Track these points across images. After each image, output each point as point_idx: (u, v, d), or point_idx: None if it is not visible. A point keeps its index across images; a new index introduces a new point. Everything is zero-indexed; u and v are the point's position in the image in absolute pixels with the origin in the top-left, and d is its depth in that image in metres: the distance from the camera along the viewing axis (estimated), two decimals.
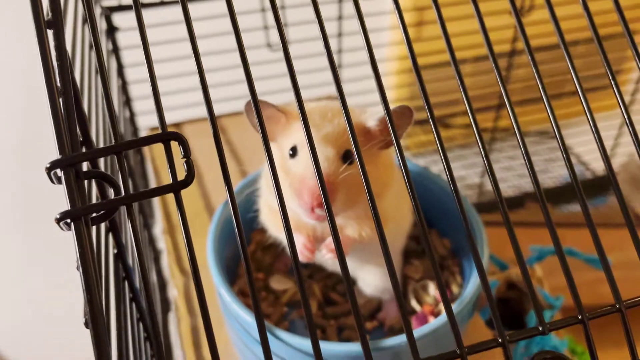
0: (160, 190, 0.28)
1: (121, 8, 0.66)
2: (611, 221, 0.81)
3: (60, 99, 0.28)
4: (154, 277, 0.61)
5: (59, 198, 0.27)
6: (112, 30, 0.66)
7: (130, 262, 0.42)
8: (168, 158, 0.28)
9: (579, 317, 0.30)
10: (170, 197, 0.67)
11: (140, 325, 0.45)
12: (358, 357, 0.40)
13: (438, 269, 0.29)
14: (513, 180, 1.01)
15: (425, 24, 0.83)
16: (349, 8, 0.76)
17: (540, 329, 0.30)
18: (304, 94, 0.31)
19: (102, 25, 0.64)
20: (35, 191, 1.02)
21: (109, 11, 0.65)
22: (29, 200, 1.01)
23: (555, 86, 0.99)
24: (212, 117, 0.29)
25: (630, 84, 1.04)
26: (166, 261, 0.60)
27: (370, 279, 0.49)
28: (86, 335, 0.26)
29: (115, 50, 0.67)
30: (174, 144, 0.28)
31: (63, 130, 0.27)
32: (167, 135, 0.28)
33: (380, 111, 0.42)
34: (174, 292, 0.56)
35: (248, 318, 0.42)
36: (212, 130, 0.29)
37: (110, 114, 0.28)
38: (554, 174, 1.03)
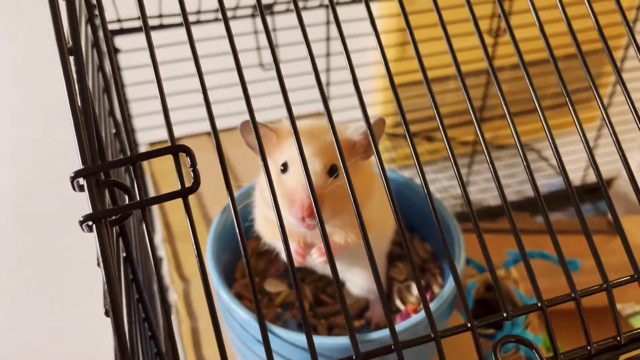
0: (171, 196, 0.31)
1: (122, 31, 0.70)
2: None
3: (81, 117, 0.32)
4: (154, 283, 0.65)
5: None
6: (114, 52, 0.70)
7: (137, 265, 0.46)
8: (177, 168, 0.32)
9: (539, 305, 0.34)
10: (170, 208, 0.71)
11: (145, 324, 0.49)
12: (347, 349, 0.44)
13: (416, 269, 0.33)
14: (495, 191, 1.05)
15: (408, 44, 0.88)
16: (336, 30, 0.80)
17: (505, 314, 0.34)
18: (295, 110, 0.35)
19: (104, 47, 0.68)
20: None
21: (111, 34, 0.70)
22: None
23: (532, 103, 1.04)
24: (215, 130, 0.33)
25: (604, 97, 1.09)
26: (166, 268, 0.63)
27: (357, 281, 0.53)
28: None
29: (116, 71, 0.71)
30: (181, 156, 0.32)
31: (84, 143, 0.31)
32: (176, 148, 0.32)
33: (359, 126, 0.47)
34: (174, 296, 0.60)
35: (245, 316, 0.46)
36: (214, 139, 0.33)
37: (127, 129, 0.32)
38: (527, 186, 1.07)
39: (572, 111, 0.38)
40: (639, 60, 0.37)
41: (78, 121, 0.31)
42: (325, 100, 0.35)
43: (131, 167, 0.32)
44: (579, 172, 1.11)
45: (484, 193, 1.04)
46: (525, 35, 0.51)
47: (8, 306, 1.18)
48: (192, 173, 0.32)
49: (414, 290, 0.54)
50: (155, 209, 0.73)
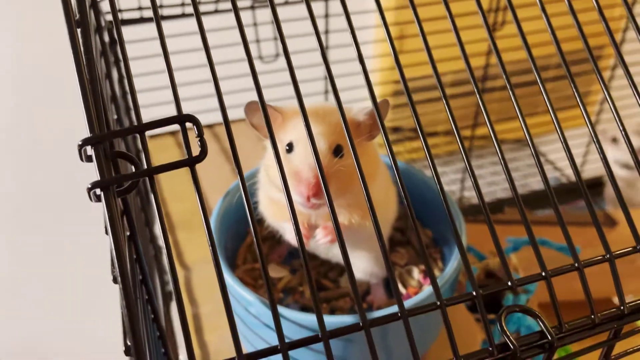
0: (179, 164, 0.32)
1: (123, 22, 0.70)
2: (581, 220, 0.86)
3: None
4: (155, 276, 0.65)
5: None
6: (113, 43, 0.71)
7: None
8: (184, 136, 0.32)
9: (543, 274, 0.35)
10: (169, 197, 0.71)
11: (149, 307, 0.49)
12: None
13: (424, 246, 0.33)
14: (491, 187, 1.06)
15: (406, 38, 0.89)
16: (335, 7, 0.81)
17: (509, 283, 0.34)
18: (295, 101, 0.35)
19: (105, 37, 0.68)
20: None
21: (111, 25, 0.70)
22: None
23: (529, 106, 1.05)
24: (225, 116, 0.33)
25: (597, 104, 1.11)
26: (166, 257, 0.63)
27: (359, 264, 0.53)
28: None
29: (117, 61, 0.71)
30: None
31: (92, 112, 0.31)
32: (183, 117, 0.32)
33: (364, 106, 0.47)
34: None
35: (251, 298, 0.46)
36: (222, 116, 0.33)
37: (134, 99, 0.32)
38: (531, 180, 1.08)
39: (578, 103, 0.38)
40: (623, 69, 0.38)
41: (86, 91, 0.31)
42: (332, 79, 0.35)
43: (138, 136, 0.32)
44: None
45: (483, 187, 1.04)
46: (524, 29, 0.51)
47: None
48: (199, 143, 0.32)
49: (415, 274, 0.54)
50: (153, 200, 0.73)
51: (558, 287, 0.35)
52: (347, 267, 0.31)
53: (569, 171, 1.11)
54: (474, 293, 0.33)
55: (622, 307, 0.35)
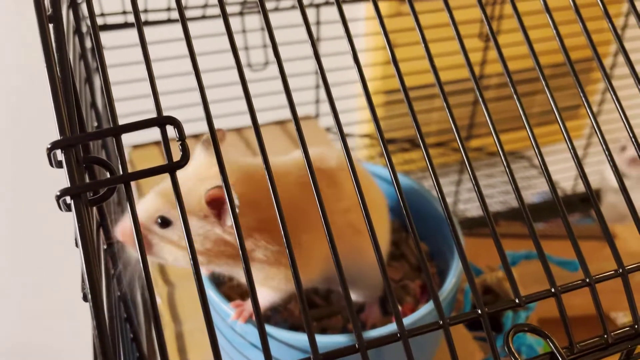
0: (157, 170, 0.29)
1: (105, 27, 0.68)
2: (577, 234, 0.84)
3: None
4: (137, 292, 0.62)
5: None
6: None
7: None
8: (164, 140, 0.29)
9: (552, 290, 0.32)
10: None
11: (127, 325, 0.46)
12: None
13: (424, 258, 0.31)
14: (488, 199, 1.04)
15: (397, 47, 0.87)
16: (326, 14, 0.79)
17: (517, 300, 0.32)
18: (283, 112, 0.32)
19: (88, 43, 0.66)
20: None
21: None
22: None
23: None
24: (210, 123, 0.30)
25: (594, 105, 1.09)
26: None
27: (354, 286, 0.50)
28: None
29: (99, 68, 0.69)
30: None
31: (63, 113, 0.29)
32: (163, 119, 0.29)
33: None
34: (158, 300, 0.57)
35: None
36: (210, 131, 0.30)
37: (109, 101, 0.30)
38: (526, 193, 1.06)
39: (559, 119, 0.36)
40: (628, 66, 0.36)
41: (57, 89, 0.29)
42: (327, 85, 0.32)
43: (114, 140, 0.29)
44: (569, 182, 1.11)
45: (476, 201, 1.02)
46: (516, 39, 0.50)
47: None
48: (180, 147, 0.29)
49: (411, 290, 0.52)
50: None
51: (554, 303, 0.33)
52: (344, 290, 0.28)
53: (564, 184, 1.09)
54: (479, 311, 0.31)
55: (636, 326, 0.32)
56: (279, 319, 0.52)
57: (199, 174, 0.41)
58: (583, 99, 0.35)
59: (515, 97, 0.35)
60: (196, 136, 0.80)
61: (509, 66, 0.36)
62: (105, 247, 0.41)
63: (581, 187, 1.10)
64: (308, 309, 0.53)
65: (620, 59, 0.98)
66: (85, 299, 0.28)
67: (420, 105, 0.93)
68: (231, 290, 0.52)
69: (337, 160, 0.46)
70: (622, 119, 0.36)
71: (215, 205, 0.39)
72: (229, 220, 0.38)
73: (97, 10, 0.64)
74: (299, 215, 0.41)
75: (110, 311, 0.38)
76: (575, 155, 0.35)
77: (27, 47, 0.86)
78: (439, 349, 0.51)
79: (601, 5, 0.37)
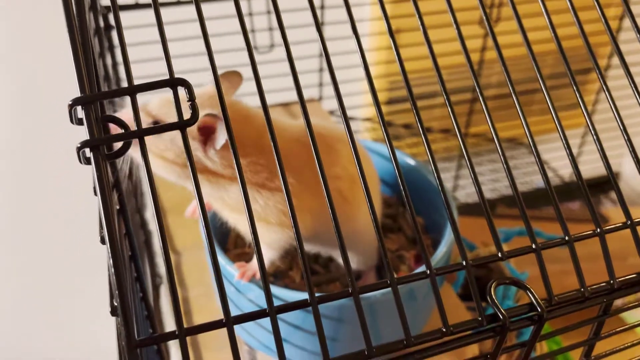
0: (169, 127, 0.31)
1: (119, 8, 0.70)
2: (574, 217, 0.86)
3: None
4: (145, 262, 0.64)
5: None
6: (108, 28, 0.71)
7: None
8: (175, 100, 0.32)
9: (533, 247, 0.35)
10: (160, 186, 0.70)
11: (137, 285, 0.48)
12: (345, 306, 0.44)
13: (416, 220, 0.33)
14: (488, 184, 1.06)
15: (401, 32, 0.89)
16: (330, 15, 0.81)
17: (500, 254, 0.34)
18: (287, 95, 0.34)
19: (100, 23, 0.68)
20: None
21: (105, 10, 0.70)
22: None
23: (523, 106, 1.06)
24: (221, 96, 0.32)
25: (594, 94, 1.11)
26: (157, 241, 0.63)
27: (351, 253, 0.53)
28: None
29: (111, 47, 0.71)
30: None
31: (84, 73, 0.31)
32: (175, 80, 0.32)
33: None
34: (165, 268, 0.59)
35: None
36: (219, 102, 0.33)
37: (125, 60, 0.32)
38: (524, 179, 1.08)
39: (552, 110, 0.38)
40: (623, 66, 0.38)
41: (77, 51, 0.31)
42: (331, 69, 0.35)
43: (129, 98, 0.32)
44: (568, 168, 1.13)
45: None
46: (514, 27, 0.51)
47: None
48: (190, 107, 0.32)
49: (406, 259, 0.54)
50: (145, 186, 0.72)
51: (553, 279, 0.35)
52: (341, 247, 0.31)
53: (563, 171, 1.11)
54: (464, 263, 0.33)
55: (611, 282, 0.35)
56: (281, 284, 0.55)
57: (202, 102, 0.42)
58: (575, 88, 0.37)
59: (500, 93, 0.37)
60: None
61: (510, 52, 0.38)
62: (117, 207, 0.44)
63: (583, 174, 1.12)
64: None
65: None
66: (102, 241, 0.30)
67: (424, 89, 0.95)
68: (236, 258, 0.55)
69: (337, 132, 0.48)
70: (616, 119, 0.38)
71: (204, 133, 0.41)
72: (213, 148, 0.41)
73: None
74: (291, 168, 0.43)
75: (123, 266, 0.40)
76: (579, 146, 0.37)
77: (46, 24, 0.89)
78: (432, 316, 0.53)
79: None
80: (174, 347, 0.57)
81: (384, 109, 0.97)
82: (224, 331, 0.28)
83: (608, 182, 1.14)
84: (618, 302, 0.70)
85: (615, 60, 1.06)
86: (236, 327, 0.51)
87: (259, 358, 0.54)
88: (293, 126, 0.47)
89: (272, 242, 0.46)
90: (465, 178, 1.05)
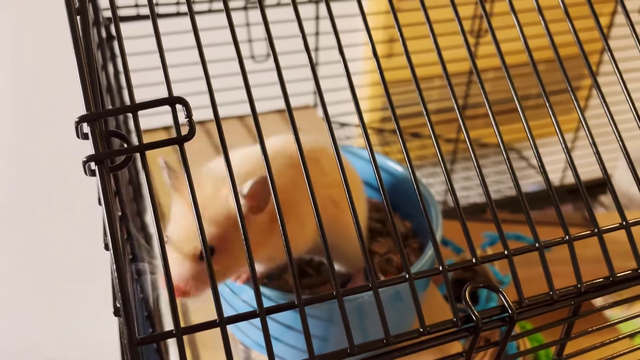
0: (169, 142, 0.34)
1: (120, 19, 0.73)
2: (568, 221, 0.89)
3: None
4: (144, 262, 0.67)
5: None
6: (110, 38, 0.73)
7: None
8: (174, 117, 0.34)
9: (505, 252, 0.37)
10: (159, 193, 0.73)
11: (137, 286, 0.51)
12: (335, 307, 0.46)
13: (394, 223, 0.35)
14: (477, 189, 1.09)
15: (396, 41, 0.92)
16: (325, 25, 0.84)
17: (474, 260, 0.37)
18: (283, 102, 0.37)
19: (102, 33, 0.71)
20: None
21: (107, 21, 0.72)
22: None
23: (514, 112, 1.09)
24: (215, 111, 0.35)
25: (583, 100, 1.14)
26: (156, 244, 0.65)
27: (339, 258, 0.55)
28: None
29: (113, 57, 0.74)
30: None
31: (89, 92, 0.34)
32: (173, 99, 0.34)
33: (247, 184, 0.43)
34: None
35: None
36: (214, 117, 0.35)
37: (127, 80, 0.35)
38: (523, 182, 1.11)
39: (550, 113, 0.40)
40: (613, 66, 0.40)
41: (83, 72, 0.34)
42: (317, 80, 0.37)
43: (131, 115, 0.34)
44: (557, 173, 1.15)
45: (468, 190, 1.07)
46: (507, 36, 0.53)
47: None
48: (188, 123, 0.34)
49: (394, 262, 0.57)
50: (146, 193, 0.75)
51: (534, 282, 0.37)
52: (326, 250, 0.33)
53: (552, 176, 1.14)
54: (440, 268, 0.36)
55: (579, 285, 0.37)
56: (274, 286, 0.57)
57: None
58: (570, 88, 0.40)
59: (513, 92, 0.40)
60: (201, 122, 0.85)
61: (503, 51, 0.40)
62: (119, 214, 0.46)
63: (569, 179, 1.15)
64: (298, 278, 0.58)
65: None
66: (106, 247, 0.33)
67: (416, 95, 0.98)
68: None
69: (319, 144, 0.52)
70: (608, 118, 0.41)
71: (253, 199, 0.43)
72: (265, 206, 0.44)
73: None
74: (298, 192, 0.46)
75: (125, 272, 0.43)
76: (575, 148, 0.39)
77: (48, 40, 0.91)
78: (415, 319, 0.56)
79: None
80: (172, 346, 0.60)
81: (381, 114, 1.00)
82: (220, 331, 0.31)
83: (597, 187, 1.18)
84: (598, 302, 0.72)
85: (605, 67, 1.08)
86: (232, 327, 0.54)
87: (253, 356, 0.56)
88: (282, 148, 0.49)
89: (270, 261, 0.49)
90: (455, 182, 1.07)
